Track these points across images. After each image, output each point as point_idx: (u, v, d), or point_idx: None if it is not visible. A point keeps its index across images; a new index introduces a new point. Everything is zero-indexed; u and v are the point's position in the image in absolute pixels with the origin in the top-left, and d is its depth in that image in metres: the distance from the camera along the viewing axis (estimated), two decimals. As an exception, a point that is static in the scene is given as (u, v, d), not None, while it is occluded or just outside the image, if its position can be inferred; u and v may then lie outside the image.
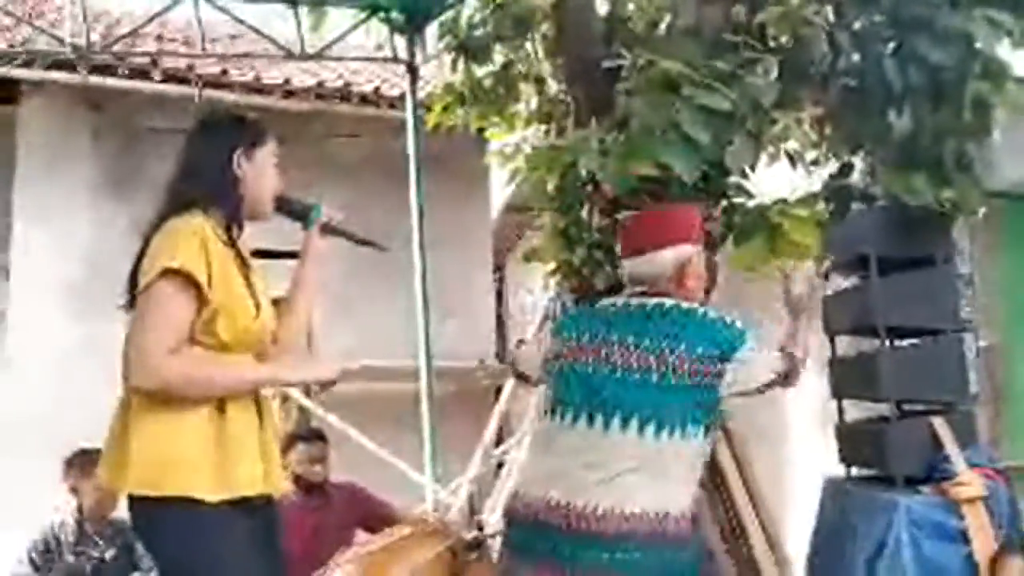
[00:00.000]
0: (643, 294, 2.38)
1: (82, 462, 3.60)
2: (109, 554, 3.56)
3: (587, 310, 2.64)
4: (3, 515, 4.43)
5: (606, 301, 2.54)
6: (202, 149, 2.00)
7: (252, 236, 2.10)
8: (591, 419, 2.23)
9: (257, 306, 1.95)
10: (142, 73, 6.28)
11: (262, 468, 1.92)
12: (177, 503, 1.77)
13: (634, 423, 2.18)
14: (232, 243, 1.97)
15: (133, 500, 1.84)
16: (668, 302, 2.31)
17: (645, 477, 2.16)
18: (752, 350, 2.26)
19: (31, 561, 3.53)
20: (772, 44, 3.10)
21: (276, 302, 2.13)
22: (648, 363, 2.21)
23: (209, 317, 1.85)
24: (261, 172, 2.02)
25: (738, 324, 2.28)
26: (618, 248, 2.65)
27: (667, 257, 2.35)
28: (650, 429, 2.16)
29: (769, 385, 2.34)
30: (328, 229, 2.21)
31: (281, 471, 2.04)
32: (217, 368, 1.88)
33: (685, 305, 2.30)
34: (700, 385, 2.20)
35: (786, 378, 2.35)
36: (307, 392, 1.74)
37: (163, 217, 1.92)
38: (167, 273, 1.81)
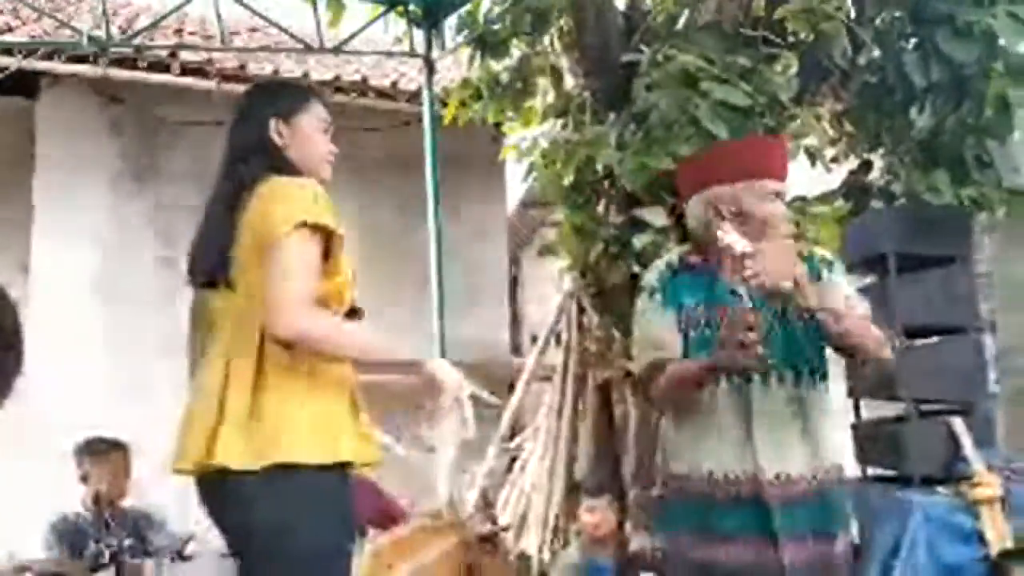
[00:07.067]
0: None
1: (93, 449, 3.61)
2: (127, 542, 3.59)
3: None
4: (26, 505, 4.47)
5: None
6: (239, 123, 1.89)
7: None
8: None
9: (352, 271, 1.86)
10: (161, 66, 6.30)
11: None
12: (336, 469, 1.71)
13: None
14: None
15: (258, 472, 1.64)
16: None
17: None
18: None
19: (58, 548, 3.55)
20: (792, 39, 3.08)
21: None
22: None
23: (342, 280, 1.79)
24: (306, 138, 1.86)
25: None
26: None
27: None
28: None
29: None
30: None
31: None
32: (353, 331, 1.82)
33: None
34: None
35: None
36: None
37: (230, 194, 1.78)
38: (304, 227, 1.69)
